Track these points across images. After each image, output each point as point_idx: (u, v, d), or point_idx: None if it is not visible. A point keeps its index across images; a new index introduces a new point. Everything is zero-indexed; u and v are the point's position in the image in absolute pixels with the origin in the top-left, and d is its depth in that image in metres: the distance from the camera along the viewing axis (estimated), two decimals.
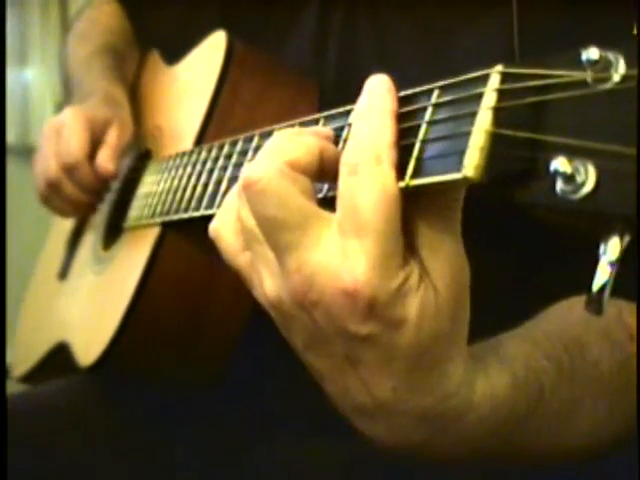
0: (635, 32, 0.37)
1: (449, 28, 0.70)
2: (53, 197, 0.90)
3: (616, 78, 0.33)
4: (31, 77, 2.09)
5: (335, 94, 0.77)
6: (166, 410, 0.84)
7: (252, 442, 0.81)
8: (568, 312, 0.55)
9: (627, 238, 0.33)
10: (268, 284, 0.43)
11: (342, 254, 0.39)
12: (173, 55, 0.95)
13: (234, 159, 0.61)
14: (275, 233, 0.40)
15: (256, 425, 0.82)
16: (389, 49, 0.75)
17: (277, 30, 0.84)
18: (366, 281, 0.39)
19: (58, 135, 0.87)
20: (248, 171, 0.41)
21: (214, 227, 0.48)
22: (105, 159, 0.86)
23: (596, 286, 0.33)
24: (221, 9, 0.91)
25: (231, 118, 0.77)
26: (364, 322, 0.40)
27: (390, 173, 0.39)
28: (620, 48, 0.33)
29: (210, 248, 0.73)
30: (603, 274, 0.33)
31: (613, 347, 0.53)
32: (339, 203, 0.40)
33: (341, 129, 0.46)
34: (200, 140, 0.76)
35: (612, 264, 0.33)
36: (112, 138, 0.87)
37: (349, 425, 0.76)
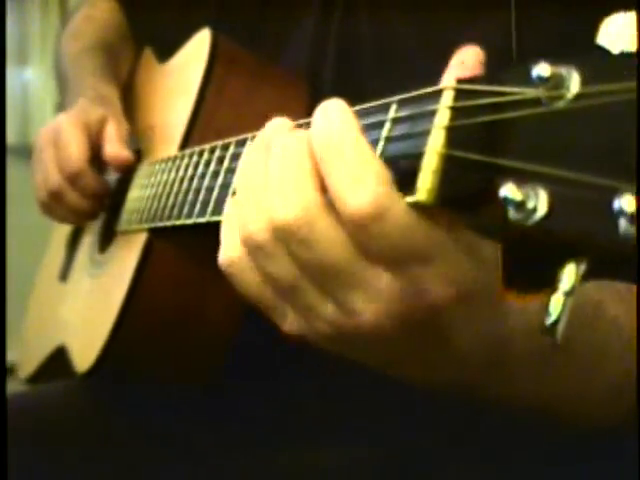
0: (597, 41, 0.35)
1: (449, 29, 0.69)
2: (55, 206, 0.88)
3: (569, 96, 0.31)
4: (31, 77, 2.09)
5: (333, 96, 0.76)
6: (165, 412, 0.84)
7: (250, 446, 0.81)
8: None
9: (583, 266, 0.31)
10: (323, 325, 0.40)
11: (411, 283, 0.37)
12: (169, 54, 0.94)
13: (226, 164, 0.59)
14: (330, 279, 0.38)
15: (254, 429, 0.81)
16: (388, 51, 0.74)
17: (276, 31, 0.83)
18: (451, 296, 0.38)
19: (55, 143, 0.85)
20: (279, 214, 0.38)
21: (227, 264, 0.43)
22: (115, 149, 0.84)
23: (551, 317, 0.31)
24: (218, 9, 0.89)
25: (217, 118, 0.76)
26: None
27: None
28: (575, 62, 0.31)
29: (199, 252, 0.73)
30: (557, 304, 0.31)
31: (628, 308, 0.52)
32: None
33: None
34: (186, 142, 0.75)
35: (567, 293, 0.31)
36: (112, 132, 0.85)
37: (348, 430, 0.76)
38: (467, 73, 0.38)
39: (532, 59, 0.32)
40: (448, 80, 0.38)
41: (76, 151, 0.83)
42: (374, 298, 0.37)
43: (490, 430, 0.71)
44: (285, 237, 0.38)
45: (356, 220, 0.36)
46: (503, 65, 0.61)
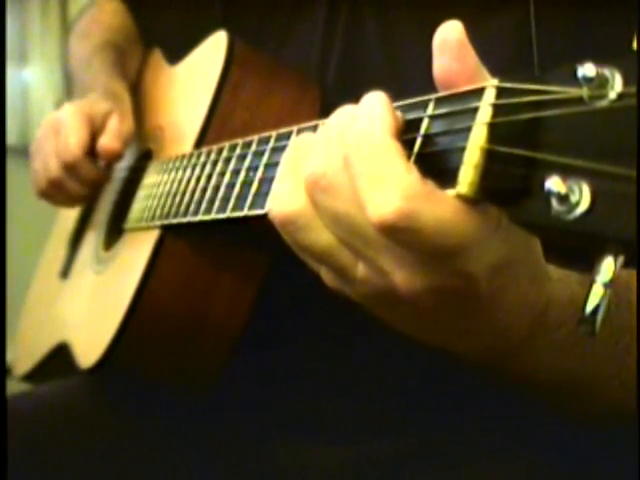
0: (634, 46, 0.36)
1: None
2: (54, 193, 0.91)
3: (612, 95, 0.32)
4: (31, 77, 2.09)
5: (338, 95, 0.76)
6: (166, 411, 0.84)
7: (252, 445, 0.81)
8: None
9: (621, 259, 0.32)
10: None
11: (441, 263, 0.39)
12: (177, 54, 0.94)
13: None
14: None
15: (256, 428, 0.82)
16: (395, 50, 0.74)
17: (282, 30, 0.84)
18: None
19: (56, 132, 0.87)
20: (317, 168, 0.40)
21: (292, 218, 0.42)
22: (108, 141, 0.85)
23: (589, 307, 0.33)
24: (225, 8, 0.90)
25: (232, 119, 0.76)
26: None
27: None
28: (617, 64, 0.33)
29: (210, 250, 0.74)
30: (596, 295, 0.33)
31: None
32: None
33: None
34: (201, 141, 0.76)
35: (606, 285, 0.32)
36: (113, 124, 0.86)
37: (348, 429, 0.76)
38: (450, 52, 0.39)
39: (578, 60, 0.33)
40: (438, 66, 0.39)
41: (74, 141, 0.85)
42: (400, 262, 0.39)
43: (488, 429, 0.72)
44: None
45: (378, 230, 0.37)
46: (509, 65, 0.63)
